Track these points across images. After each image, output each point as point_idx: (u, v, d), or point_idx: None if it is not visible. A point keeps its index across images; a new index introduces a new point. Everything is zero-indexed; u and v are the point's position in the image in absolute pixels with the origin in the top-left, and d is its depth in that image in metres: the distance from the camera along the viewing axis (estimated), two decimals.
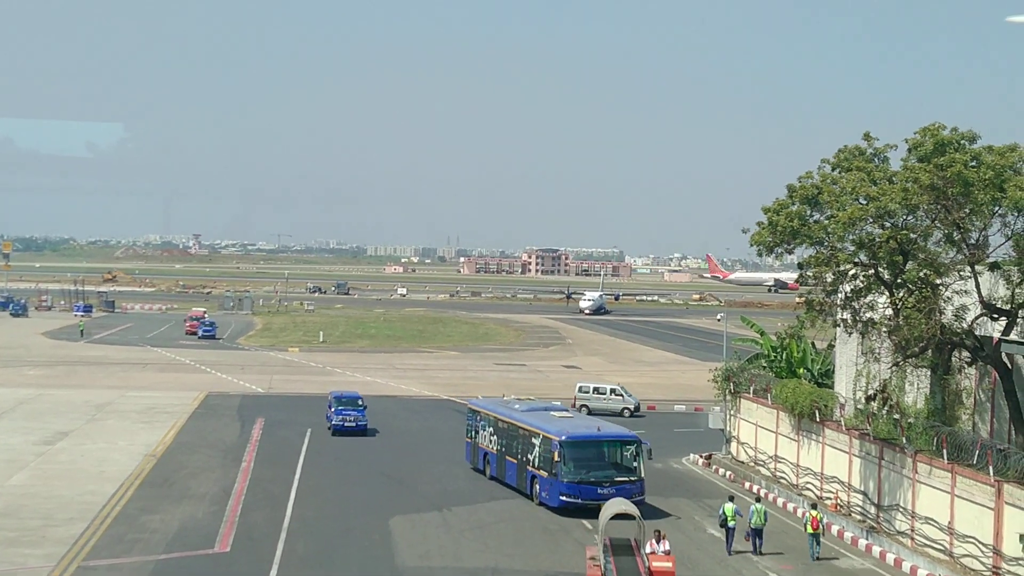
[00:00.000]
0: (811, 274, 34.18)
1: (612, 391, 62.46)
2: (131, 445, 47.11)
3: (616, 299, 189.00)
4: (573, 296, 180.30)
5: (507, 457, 40.20)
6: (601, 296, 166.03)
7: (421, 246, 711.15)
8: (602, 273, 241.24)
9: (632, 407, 61.61)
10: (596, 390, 62.61)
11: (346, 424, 50.20)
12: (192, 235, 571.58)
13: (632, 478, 36.16)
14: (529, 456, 38.22)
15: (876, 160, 34.39)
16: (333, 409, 51.01)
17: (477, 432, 43.08)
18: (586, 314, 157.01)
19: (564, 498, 35.56)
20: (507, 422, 40.63)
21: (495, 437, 41.35)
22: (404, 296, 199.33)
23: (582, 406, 61.80)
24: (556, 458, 35.93)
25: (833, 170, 34.71)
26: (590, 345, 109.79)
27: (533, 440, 38.09)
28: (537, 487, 37.27)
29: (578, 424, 38.79)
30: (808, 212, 34.24)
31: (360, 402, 52.10)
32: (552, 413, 40.63)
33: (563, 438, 36.32)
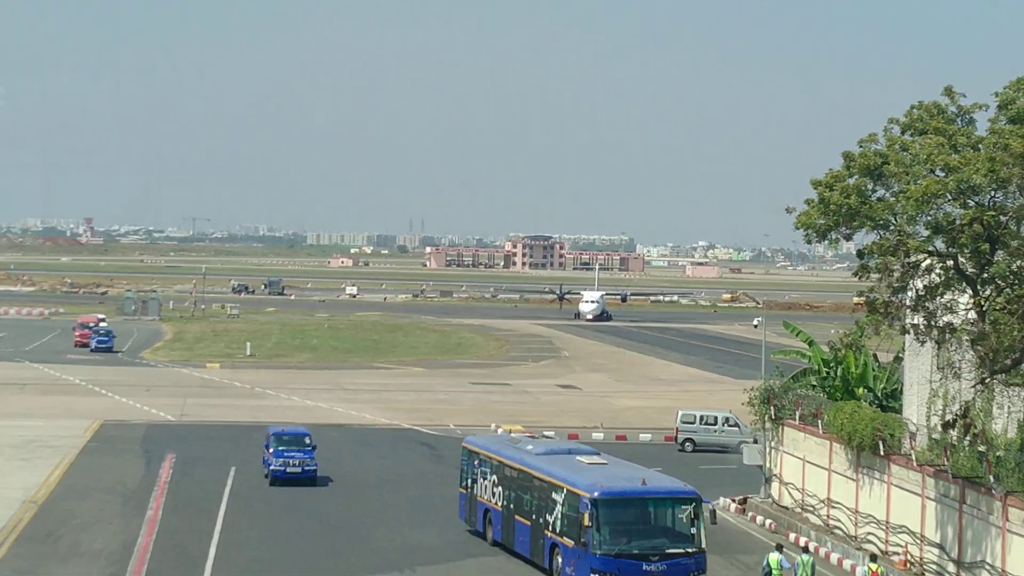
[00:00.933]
0: (873, 266, 34.09)
1: (726, 420, 62.22)
2: (4, 489, 46.69)
3: (623, 300, 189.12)
4: (568, 297, 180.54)
5: (517, 517, 38.07)
6: (603, 297, 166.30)
7: (376, 233, 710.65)
8: (597, 267, 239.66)
9: (751, 442, 60.99)
10: (703, 419, 62.35)
11: (289, 470, 48.93)
12: (83, 219, 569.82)
13: (689, 549, 33.37)
14: (548, 517, 35.92)
15: (959, 121, 34.29)
16: (271, 450, 49.79)
17: (475, 481, 41.27)
18: (588, 320, 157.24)
19: None
20: (517, 469, 38.55)
21: (500, 489, 39.41)
22: (354, 297, 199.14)
23: (686, 440, 61.63)
24: (586, 521, 33.45)
25: (903, 133, 34.57)
26: (592, 359, 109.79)
27: (554, 495, 35.82)
28: (559, 560, 34.90)
29: (616, 474, 35.96)
30: (870, 186, 34.14)
31: (308, 440, 50.68)
32: (579, 458, 37.97)
33: (596, 494, 33.72)
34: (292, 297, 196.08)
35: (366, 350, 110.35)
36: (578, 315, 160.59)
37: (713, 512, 35.81)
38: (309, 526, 42.45)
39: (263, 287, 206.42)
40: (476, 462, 41.65)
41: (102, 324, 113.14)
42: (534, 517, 37.05)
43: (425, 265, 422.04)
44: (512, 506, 38.62)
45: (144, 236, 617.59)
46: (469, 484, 42.01)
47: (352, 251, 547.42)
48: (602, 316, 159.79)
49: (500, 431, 64.65)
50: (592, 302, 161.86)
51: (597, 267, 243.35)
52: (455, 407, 75.65)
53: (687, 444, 61.15)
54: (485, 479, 40.74)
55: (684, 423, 62.13)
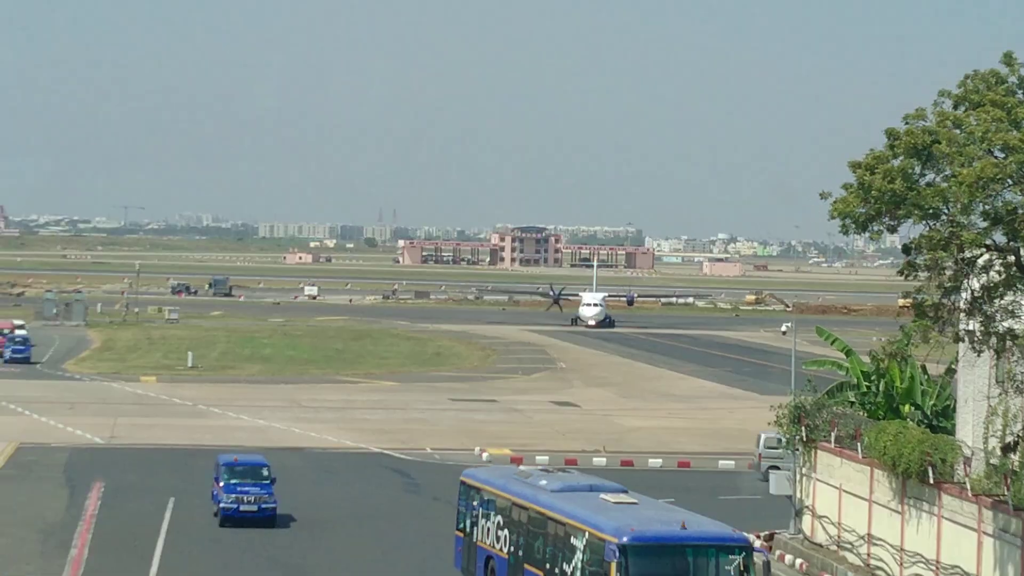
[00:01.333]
0: (921, 263, 34.09)
1: None
2: None
3: (629, 303, 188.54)
4: (565, 299, 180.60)
5: (527, 566, 37.23)
6: (606, 299, 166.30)
7: (339, 224, 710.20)
8: (596, 263, 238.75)
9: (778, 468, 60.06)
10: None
11: (243, 508, 47.95)
12: None
13: None
14: (565, 566, 35.10)
15: (1021, 93, 34.30)
16: (222, 484, 48.71)
17: (476, 523, 40.50)
18: (589, 326, 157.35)
19: None
20: (528, 508, 37.51)
21: (507, 532, 38.45)
22: (315, 298, 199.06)
23: (771, 467, 59.98)
24: (613, 572, 32.54)
25: (956, 107, 34.55)
26: (592, 371, 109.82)
27: (573, 540, 34.87)
28: None
29: (648, 516, 35.10)
30: (918, 169, 34.11)
31: (266, 472, 49.85)
32: (604, 496, 36.95)
33: (625, 539, 32.75)
34: (241, 299, 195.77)
35: (328, 361, 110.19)
36: (576, 320, 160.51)
37: (767, 565, 34.48)
38: (261, 567, 42.32)
39: (207, 287, 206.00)
40: (477, 500, 40.65)
41: (18, 331, 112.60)
42: (548, 566, 36.10)
43: (397, 261, 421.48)
44: (521, 553, 37.62)
45: (67, 227, 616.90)
46: (468, 526, 40.93)
47: (312, 245, 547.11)
48: (605, 321, 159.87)
49: (485, 456, 64.66)
50: (594, 305, 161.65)
51: (596, 263, 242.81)
52: (432, 428, 75.52)
53: (769, 473, 59.51)
54: (488, 520, 39.64)
55: (768, 448, 60.64)
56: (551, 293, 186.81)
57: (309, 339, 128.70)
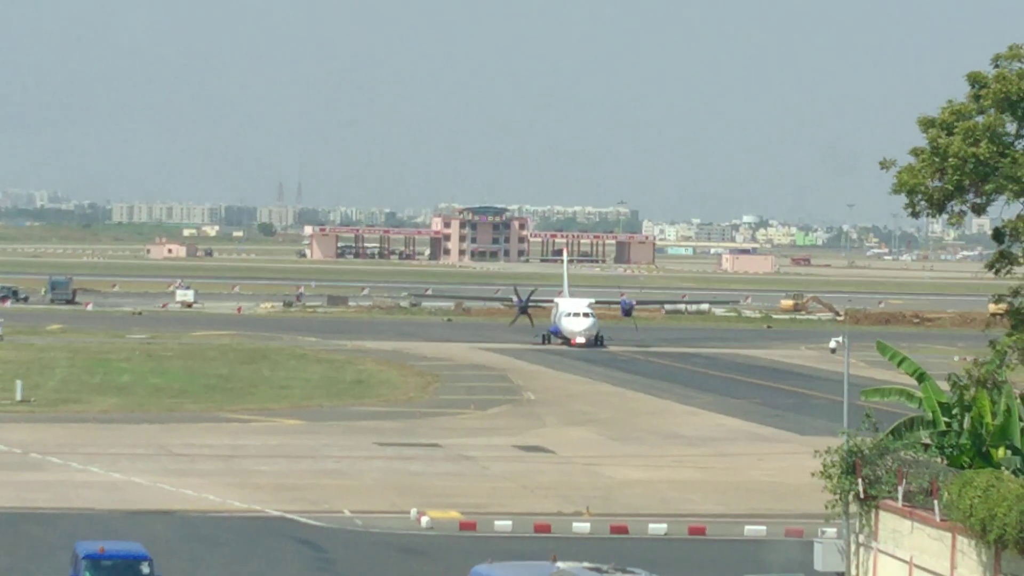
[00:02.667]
0: (1020, 254, 34.32)
1: None
2: None
3: (626, 312, 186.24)
4: (534, 305, 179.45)
5: None
6: (591, 307, 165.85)
7: (223, 204, 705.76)
8: (565, 258, 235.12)
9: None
10: None
11: None
12: None
13: None
14: None
15: None
16: None
17: None
18: (578, 344, 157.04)
19: None
20: None
21: None
22: (190, 306, 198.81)
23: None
24: None
25: None
26: (572, 404, 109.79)
27: None
28: None
29: None
30: (1012, 128, 34.37)
31: (146, 569, 49.38)
32: None
33: None
34: (89, 307, 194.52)
35: (209, 392, 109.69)
36: (550, 337, 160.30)
37: None
38: None
39: (42, 292, 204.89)
40: None
41: None
42: None
43: (303, 255, 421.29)
44: None
45: None
46: None
47: (186, 233, 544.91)
48: (595, 339, 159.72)
49: (425, 520, 64.64)
50: (584, 316, 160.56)
51: (567, 257, 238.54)
52: (352, 482, 75.33)
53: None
54: None
55: None
56: (517, 299, 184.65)
57: (183, 362, 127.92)
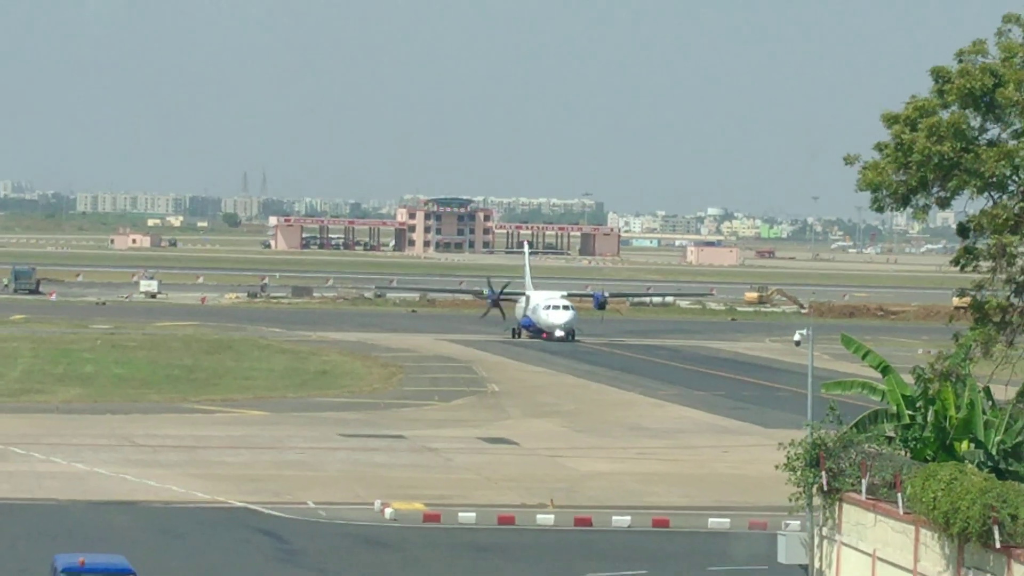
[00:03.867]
0: (984, 249, 34.36)
1: None
2: None
3: (599, 306, 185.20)
4: (505, 298, 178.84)
5: None
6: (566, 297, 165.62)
7: (188, 194, 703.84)
8: (526, 249, 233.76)
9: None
10: None
11: None
12: None
13: None
14: None
15: None
16: None
17: None
18: (556, 336, 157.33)
19: None
20: None
21: None
22: (154, 296, 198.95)
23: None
24: None
25: None
26: (536, 396, 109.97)
27: None
28: None
29: None
30: (976, 123, 34.39)
31: None
32: None
33: None
34: (52, 297, 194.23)
35: (173, 383, 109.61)
36: (520, 331, 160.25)
37: None
38: None
39: (6, 282, 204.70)
40: None
41: None
42: None
43: (268, 245, 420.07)
44: None
45: None
46: None
47: (150, 223, 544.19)
48: (571, 333, 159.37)
49: (389, 512, 64.66)
50: (564, 308, 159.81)
51: (528, 249, 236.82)
52: (316, 473, 75.33)
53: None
54: None
55: None
56: (489, 292, 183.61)
57: (146, 353, 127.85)
